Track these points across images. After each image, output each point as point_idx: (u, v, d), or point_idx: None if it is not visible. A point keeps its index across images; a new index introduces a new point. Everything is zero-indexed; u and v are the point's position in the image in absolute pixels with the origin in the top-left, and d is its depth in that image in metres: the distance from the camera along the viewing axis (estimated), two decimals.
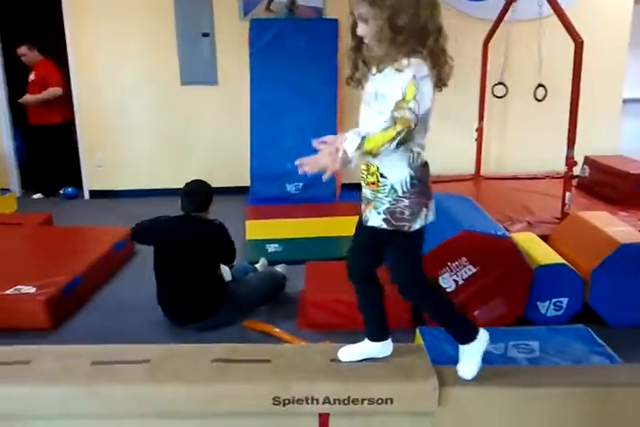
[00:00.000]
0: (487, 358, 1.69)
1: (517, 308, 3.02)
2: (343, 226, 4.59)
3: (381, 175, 1.52)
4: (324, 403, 1.48)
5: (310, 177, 5.87)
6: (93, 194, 5.91)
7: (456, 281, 2.96)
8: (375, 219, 1.56)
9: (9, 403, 1.46)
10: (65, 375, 1.51)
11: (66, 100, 5.70)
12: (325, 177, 1.48)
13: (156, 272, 3.18)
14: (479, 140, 5.50)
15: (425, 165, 1.56)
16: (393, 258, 1.62)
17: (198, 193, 3.19)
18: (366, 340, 1.70)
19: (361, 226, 1.65)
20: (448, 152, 5.81)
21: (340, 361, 1.60)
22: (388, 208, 1.53)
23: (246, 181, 5.58)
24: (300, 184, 5.46)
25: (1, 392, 1.46)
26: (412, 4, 1.42)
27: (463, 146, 5.64)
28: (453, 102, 5.83)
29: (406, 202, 1.51)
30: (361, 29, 1.49)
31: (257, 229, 4.59)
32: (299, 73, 5.45)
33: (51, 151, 5.67)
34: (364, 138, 1.42)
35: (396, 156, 1.49)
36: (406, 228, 1.52)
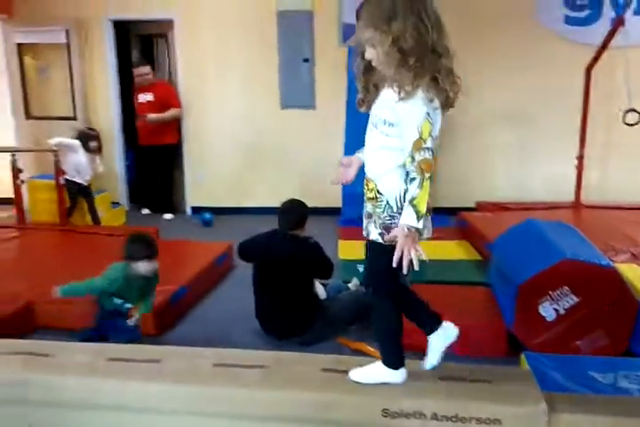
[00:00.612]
0: (595, 387, 1.66)
1: (620, 340, 2.91)
2: (435, 250, 4.59)
3: (378, 192, 1.57)
4: (431, 419, 1.52)
5: None
6: (195, 210, 6.23)
7: (557, 310, 2.90)
8: (373, 233, 1.60)
9: (141, 397, 1.60)
10: (190, 375, 1.64)
11: (177, 120, 6.04)
12: (407, 264, 1.47)
13: (254, 288, 3.32)
14: (579, 168, 5.36)
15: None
16: (369, 258, 1.67)
17: (294, 212, 3.32)
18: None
19: (366, 241, 1.67)
20: (547, 179, 5.72)
21: (449, 380, 1.64)
22: (383, 223, 1.56)
23: (338, 203, 5.71)
24: None
25: (134, 387, 1.60)
26: (417, 27, 1.42)
27: (563, 173, 5.51)
28: (553, 129, 5.77)
29: (397, 220, 1.53)
30: (369, 53, 1.51)
31: (349, 249, 4.67)
32: None
33: (162, 170, 6.02)
34: (413, 206, 1.46)
35: (393, 175, 1.54)
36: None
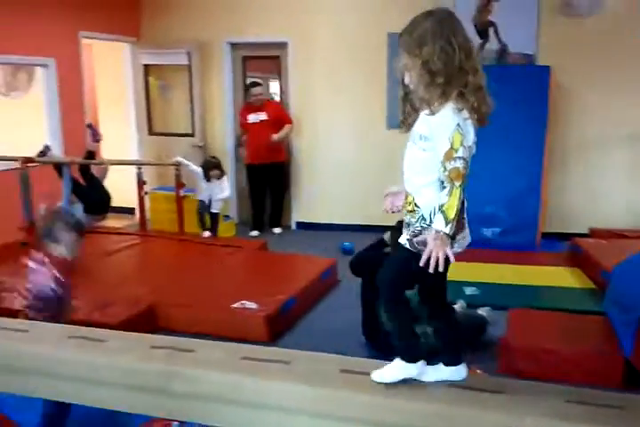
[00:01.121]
0: None
1: None
2: (545, 276, 4.50)
3: (416, 205, 1.63)
4: None
5: (509, 223, 5.78)
6: (299, 225, 6.43)
7: None
8: (402, 238, 1.67)
9: (275, 396, 1.70)
10: (319, 378, 1.73)
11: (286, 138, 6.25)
12: (441, 268, 1.51)
13: (362, 302, 3.38)
14: None
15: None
16: (390, 259, 1.75)
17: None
18: (399, 360, 1.69)
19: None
20: None
21: (578, 403, 1.61)
22: (413, 231, 1.62)
23: None
24: (498, 229, 5.43)
25: (269, 386, 1.71)
26: (445, 50, 1.53)
27: None
28: None
29: (425, 231, 1.58)
30: (407, 78, 1.61)
31: (455, 270, 4.64)
32: (504, 119, 5.48)
33: (274, 187, 6.20)
34: (443, 212, 1.52)
35: (430, 189, 1.59)
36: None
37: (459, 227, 1.58)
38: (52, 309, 2.56)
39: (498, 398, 1.65)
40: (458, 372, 1.74)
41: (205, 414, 1.78)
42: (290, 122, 6.11)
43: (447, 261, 1.52)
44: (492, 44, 5.78)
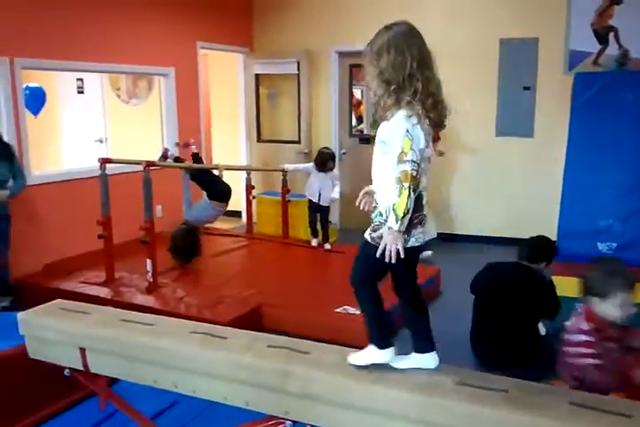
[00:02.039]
0: None
1: None
2: None
3: (376, 201, 1.80)
4: None
5: (626, 238, 5.43)
6: None
7: None
8: (366, 233, 1.81)
9: (380, 403, 1.72)
10: (433, 388, 1.72)
11: None
12: (388, 258, 1.68)
13: (474, 314, 3.31)
14: None
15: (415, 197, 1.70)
16: (358, 254, 1.87)
17: (542, 247, 3.27)
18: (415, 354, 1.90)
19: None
20: None
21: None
22: (373, 227, 1.78)
23: (548, 233, 5.47)
24: (614, 244, 5.13)
25: (381, 393, 1.72)
26: (398, 61, 1.69)
27: None
28: None
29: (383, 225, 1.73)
30: (371, 87, 1.76)
31: (564, 285, 4.44)
32: (623, 128, 5.21)
33: None
34: (393, 211, 1.66)
35: (388, 189, 1.71)
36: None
37: (416, 223, 1.75)
38: None
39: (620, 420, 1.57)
40: (428, 359, 1.89)
41: (317, 416, 1.83)
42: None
43: (413, 251, 1.76)
44: (612, 50, 5.49)
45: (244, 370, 1.89)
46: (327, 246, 5.32)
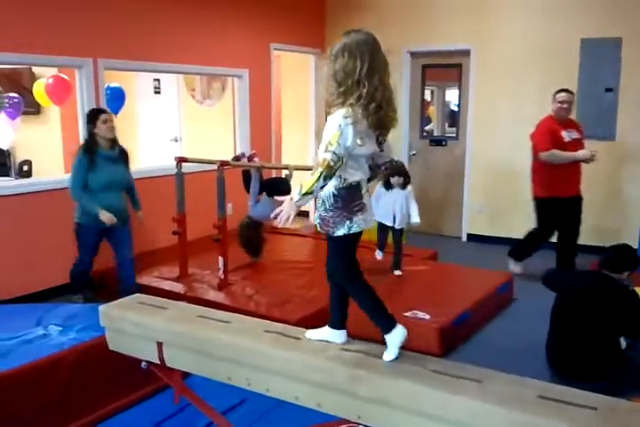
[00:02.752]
0: None
1: None
2: None
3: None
4: None
5: None
6: (470, 237, 6.27)
7: None
8: (315, 223, 1.99)
9: (463, 413, 1.67)
10: (514, 401, 1.66)
11: None
12: (279, 223, 1.88)
13: (551, 323, 3.20)
14: None
15: (351, 187, 1.89)
16: (327, 252, 2.01)
17: (618, 254, 3.14)
18: (327, 327, 2.07)
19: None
20: None
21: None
22: (320, 215, 1.94)
23: (630, 241, 5.22)
24: None
25: (458, 402, 1.68)
26: (349, 66, 1.82)
27: None
28: None
29: (330, 213, 1.91)
30: (324, 82, 1.93)
31: None
32: None
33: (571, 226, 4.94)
34: (301, 186, 1.83)
35: (313, 177, 1.83)
36: (331, 232, 1.93)
37: (356, 210, 1.91)
38: None
39: None
40: (340, 335, 2.05)
41: (390, 422, 1.80)
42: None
43: (344, 255, 1.97)
44: None
45: (317, 372, 1.89)
46: (397, 273, 4.47)
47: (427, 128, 6.87)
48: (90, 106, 4.64)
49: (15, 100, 6.45)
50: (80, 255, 4.04)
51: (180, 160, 4.42)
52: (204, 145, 7.18)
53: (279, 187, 4.87)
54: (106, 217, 3.80)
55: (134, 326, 2.36)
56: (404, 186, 4.36)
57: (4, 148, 6.97)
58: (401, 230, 4.51)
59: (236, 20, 5.76)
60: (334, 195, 1.89)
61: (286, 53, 6.84)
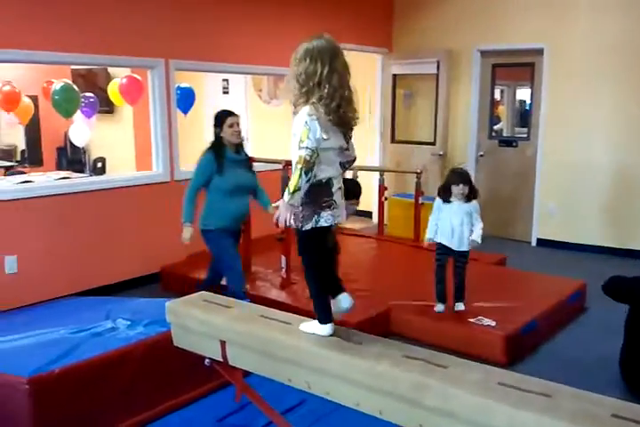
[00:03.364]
0: None
1: None
2: None
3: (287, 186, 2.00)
4: None
5: None
6: (540, 242, 6.05)
7: None
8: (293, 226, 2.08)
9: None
10: (587, 420, 1.57)
11: None
12: (280, 224, 2.01)
13: (625, 334, 3.03)
14: None
15: (321, 184, 2.02)
16: (297, 245, 2.13)
17: None
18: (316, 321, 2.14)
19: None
20: None
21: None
22: (278, 208, 2.03)
23: None
24: None
25: (526, 417, 1.61)
26: (311, 68, 1.98)
27: None
28: None
29: (300, 208, 2.02)
30: (289, 84, 2.07)
31: None
32: None
33: None
34: (287, 186, 1.95)
35: (295, 175, 1.96)
36: (300, 226, 2.04)
37: (325, 206, 2.03)
38: None
39: None
40: (323, 328, 2.12)
41: None
42: None
43: (311, 248, 2.09)
44: None
45: (379, 378, 1.85)
46: (460, 307, 3.78)
47: (495, 127, 6.68)
48: (161, 105, 4.75)
49: (91, 100, 6.72)
50: (226, 262, 3.73)
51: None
52: (269, 144, 7.25)
53: (352, 189, 4.73)
54: (185, 235, 3.64)
55: (199, 323, 2.39)
56: (468, 198, 3.61)
57: (80, 145, 7.26)
58: (465, 255, 3.73)
59: (301, 21, 5.77)
60: (305, 191, 2.01)
61: (352, 53, 6.80)
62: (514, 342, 3.39)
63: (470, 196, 3.61)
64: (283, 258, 4.20)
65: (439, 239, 3.68)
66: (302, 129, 1.97)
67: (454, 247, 3.65)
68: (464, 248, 3.64)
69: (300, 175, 1.95)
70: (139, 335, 2.87)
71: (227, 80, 7.60)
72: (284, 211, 1.99)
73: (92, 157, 8.35)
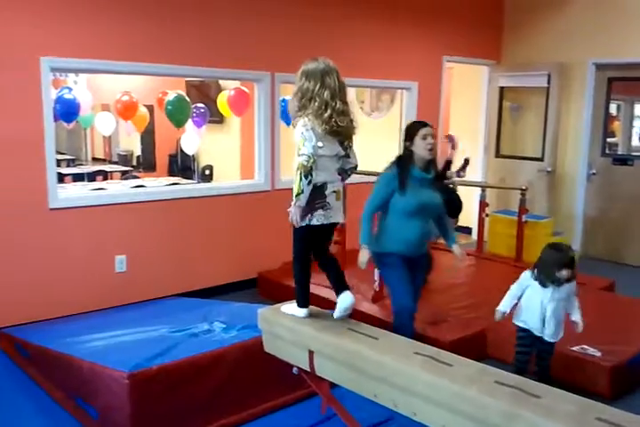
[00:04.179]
0: None
1: None
2: None
3: (292, 190, 2.30)
4: None
5: None
6: None
7: None
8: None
9: None
10: None
11: None
12: (293, 223, 2.34)
13: None
14: None
15: (315, 187, 2.31)
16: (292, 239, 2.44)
17: None
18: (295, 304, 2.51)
19: None
20: None
21: None
22: (289, 210, 2.33)
23: None
24: None
25: None
26: (306, 86, 2.32)
27: None
28: None
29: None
30: (291, 98, 2.40)
31: None
32: None
33: None
34: (293, 190, 2.27)
35: (297, 179, 2.28)
36: (295, 224, 2.34)
37: (317, 207, 2.34)
38: None
39: None
40: (300, 311, 2.48)
41: None
42: None
43: (301, 243, 2.44)
44: None
45: (469, 403, 1.79)
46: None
47: (609, 140, 6.28)
48: (266, 117, 4.90)
49: (202, 110, 7.05)
50: (396, 294, 3.33)
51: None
52: (368, 156, 7.25)
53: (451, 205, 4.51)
54: (362, 258, 3.26)
55: (288, 331, 2.43)
56: (569, 279, 3.03)
57: (190, 153, 7.63)
58: (552, 345, 3.09)
59: (409, 34, 5.75)
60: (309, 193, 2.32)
61: (458, 64, 6.69)
62: (620, 375, 3.16)
63: (569, 276, 3.00)
64: (376, 271, 4.17)
65: (522, 322, 3.09)
66: (299, 139, 2.28)
67: (547, 338, 3.03)
68: (554, 339, 3.05)
69: (301, 179, 2.26)
70: (232, 339, 2.96)
71: None
72: (294, 212, 2.31)
73: (201, 164, 8.76)
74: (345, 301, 2.45)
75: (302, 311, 2.47)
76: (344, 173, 2.49)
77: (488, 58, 6.60)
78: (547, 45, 6.28)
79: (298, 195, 2.27)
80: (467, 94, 7.12)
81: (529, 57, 6.45)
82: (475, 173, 6.78)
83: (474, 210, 5.72)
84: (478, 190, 5.74)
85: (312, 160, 2.25)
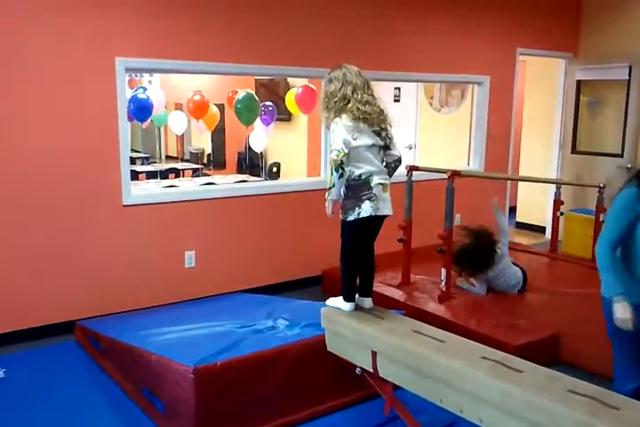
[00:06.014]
0: None
1: None
2: None
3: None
4: None
5: None
6: None
7: None
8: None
9: None
10: None
11: None
12: (330, 214, 2.49)
13: None
14: None
15: (358, 179, 2.44)
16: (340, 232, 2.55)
17: None
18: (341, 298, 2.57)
19: None
20: None
21: None
22: (341, 204, 2.49)
23: None
24: None
25: None
26: (338, 88, 2.49)
27: None
28: None
29: (344, 202, 2.46)
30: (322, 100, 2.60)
31: None
32: None
33: None
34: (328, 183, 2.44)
35: (329, 174, 2.46)
36: (343, 217, 2.47)
37: (364, 199, 2.41)
38: None
39: None
40: (345, 304, 2.56)
41: None
42: None
43: (349, 237, 2.51)
44: None
45: (539, 412, 1.70)
46: None
47: None
48: None
49: (270, 109, 7.12)
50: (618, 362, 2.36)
51: (412, 169, 4.42)
52: (437, 153, 7.12)
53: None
54: (623, 316, 2.15)
55: (351, 331, 2.41)
56: None
57: (258, 150, 7.73)
58: None
59: (480, 29, 5.58)
60: (346, 186, 2.44)
61: (532, 57, 6.44)
62: None
63: None
64: (443, 270, 4.07)
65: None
66: (334, 134, 2.43)
67: None
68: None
69: (332, 173, 2.39)
70: (295, 336, 2.94)
71: (399, 88, 7.60)
72: (328, 206, 2.45)
73: (269, 161, 8.85)
74: (362, 305, 2.61)
75: (347, 305, 2.53)
76: (388, 167, 2.55)
77: (564, 50, 6.31)
78: (629, 37, 5.93)
79: (329, 188, 2.41)
80: (541, 89, 6.84)
81: (608, 49, 6.12)
82: (548, 168, 6.52)
83: (548, 208, 5.49)
84: (553, 188, 5.51)
85: (342, 154, 2.36)
